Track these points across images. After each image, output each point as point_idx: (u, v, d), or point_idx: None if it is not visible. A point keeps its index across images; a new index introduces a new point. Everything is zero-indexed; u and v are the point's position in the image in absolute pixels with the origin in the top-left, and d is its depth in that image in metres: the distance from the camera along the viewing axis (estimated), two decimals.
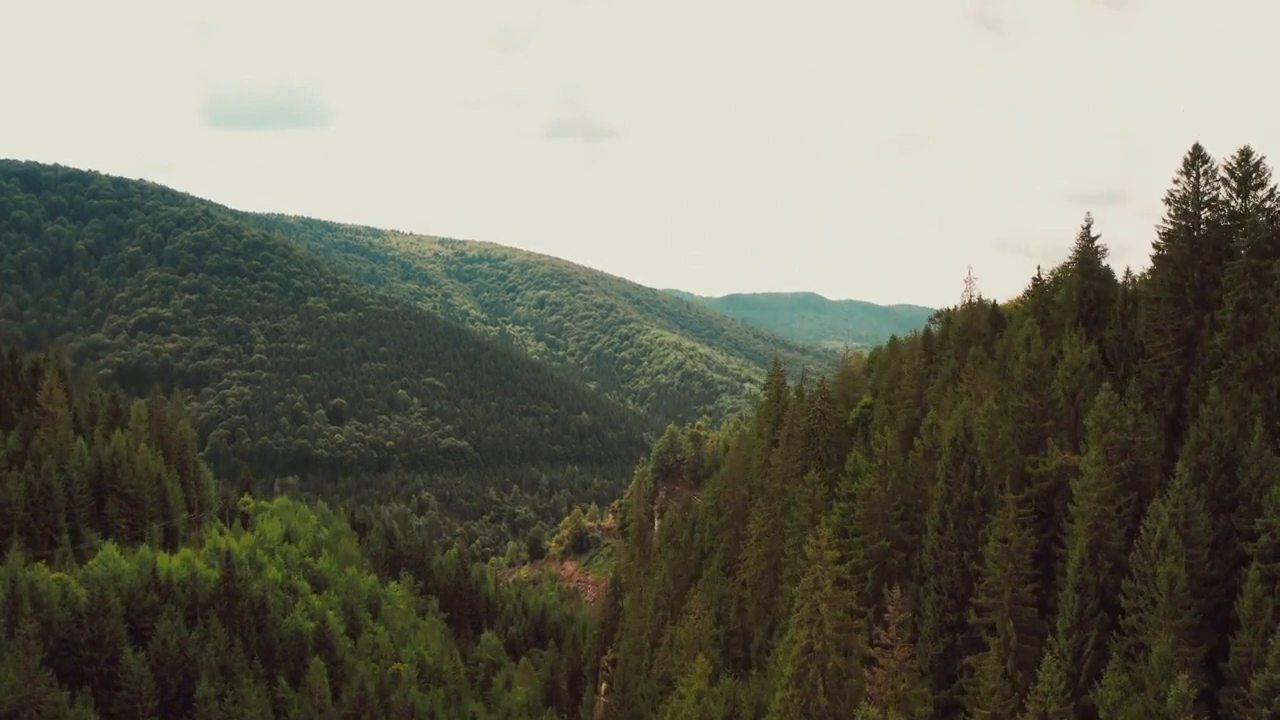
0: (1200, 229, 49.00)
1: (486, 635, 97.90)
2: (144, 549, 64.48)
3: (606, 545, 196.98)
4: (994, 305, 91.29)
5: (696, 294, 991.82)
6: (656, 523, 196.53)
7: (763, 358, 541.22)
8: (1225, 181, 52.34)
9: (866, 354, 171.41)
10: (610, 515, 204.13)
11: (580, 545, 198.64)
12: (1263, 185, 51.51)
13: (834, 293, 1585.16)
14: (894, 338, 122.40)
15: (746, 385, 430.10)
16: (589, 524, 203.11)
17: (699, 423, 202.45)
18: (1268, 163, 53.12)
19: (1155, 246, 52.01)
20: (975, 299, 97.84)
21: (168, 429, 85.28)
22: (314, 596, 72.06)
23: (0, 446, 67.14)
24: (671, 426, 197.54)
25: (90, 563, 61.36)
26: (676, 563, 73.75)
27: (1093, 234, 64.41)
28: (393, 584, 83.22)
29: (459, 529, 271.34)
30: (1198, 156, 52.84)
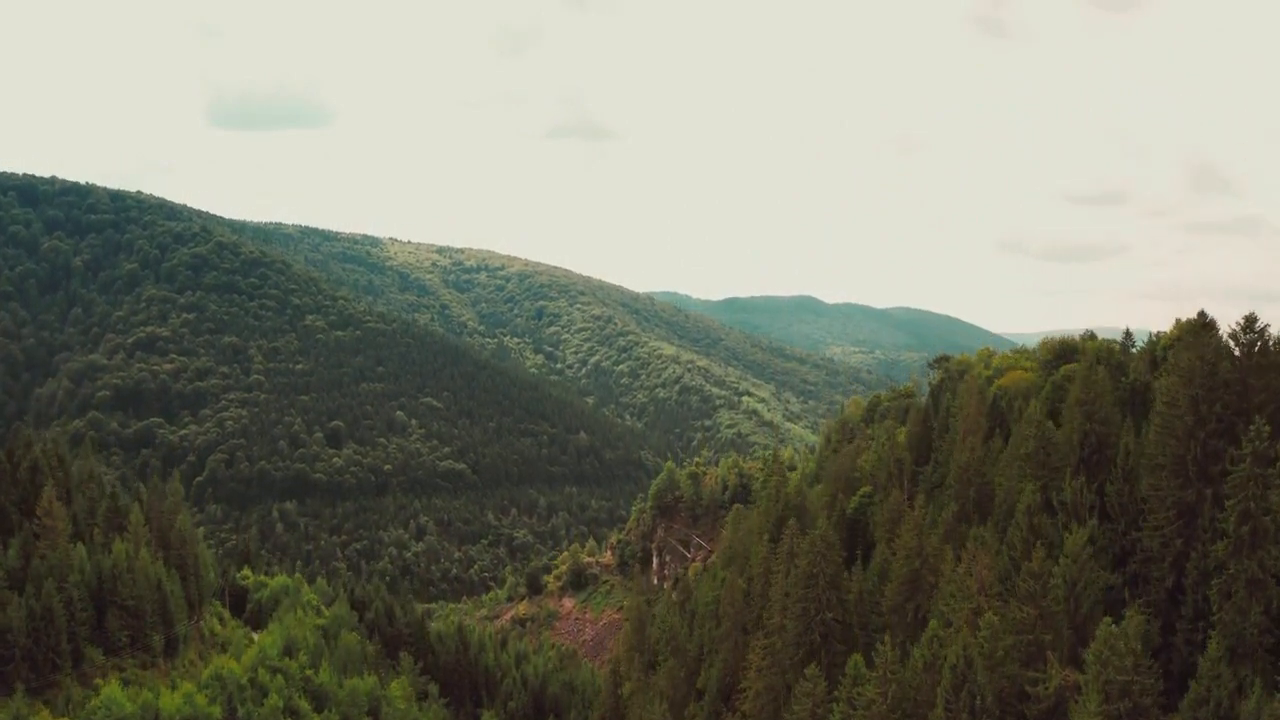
0: (1203, 402, 48.95)
1: (486, 716, 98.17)
2: (145, 694, 64.37)
3: (605, 582, 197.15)
4: (994, 401, 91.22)
5: (694, 297, 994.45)
6: (655, 560, 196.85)
7: (761, 368, 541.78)
8: (1229, 351, 52.45)
9: (864, 401, 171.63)
10: (608, 551, 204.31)
11: (579, 582, 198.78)
12: (1266, 354, 51.62)
13: (831, 295, 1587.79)
14: (889, 417, 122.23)
15: (744, 399, 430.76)
16: (587, 559, 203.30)
17: (697, 460, 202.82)
18: (1272, 330, 53.35)
19: (1159, 414, 52.00)
20: (979, 388, 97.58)
21: (166, 521, 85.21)
22: (315, 716, 72.15)
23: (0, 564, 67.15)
24: (669, 464, 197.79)
25: (93, 702, 61.22)
26: (676, 673, 73.85)
27: (1095, 376, 64.48)
28: (393, 684, 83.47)
29: (457, 554, 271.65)
30: (1203, 325, 52.83)
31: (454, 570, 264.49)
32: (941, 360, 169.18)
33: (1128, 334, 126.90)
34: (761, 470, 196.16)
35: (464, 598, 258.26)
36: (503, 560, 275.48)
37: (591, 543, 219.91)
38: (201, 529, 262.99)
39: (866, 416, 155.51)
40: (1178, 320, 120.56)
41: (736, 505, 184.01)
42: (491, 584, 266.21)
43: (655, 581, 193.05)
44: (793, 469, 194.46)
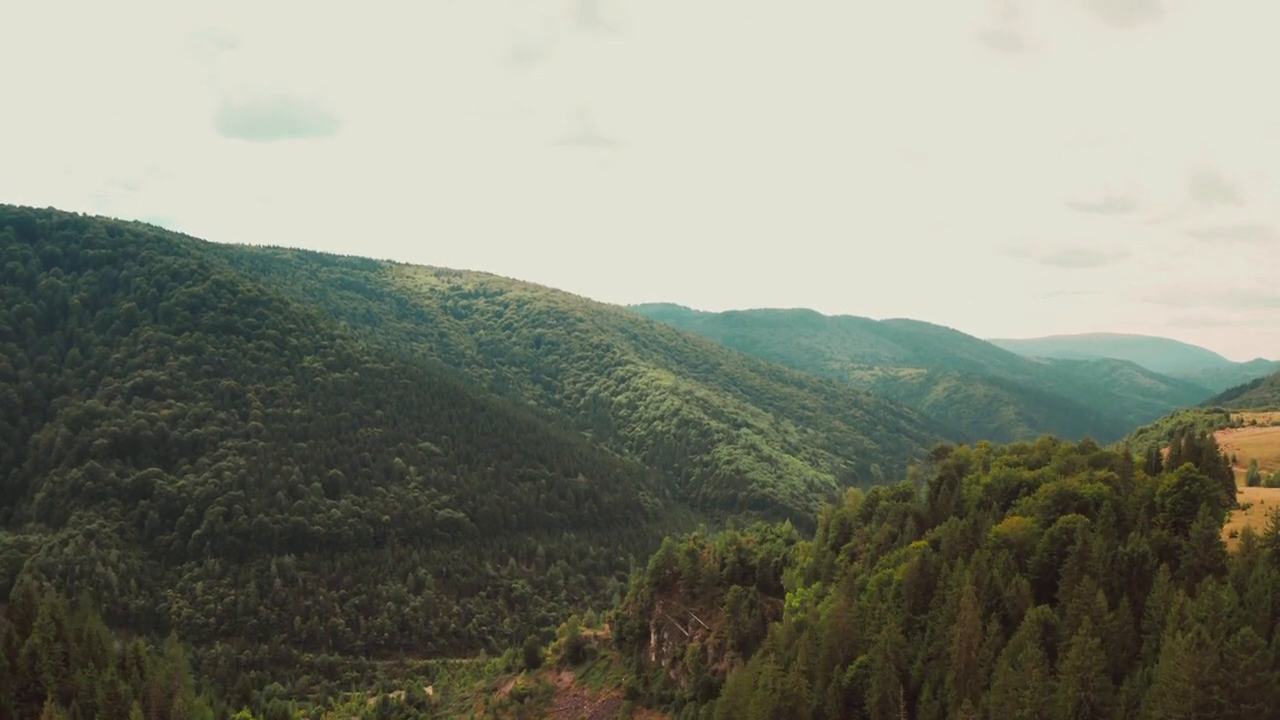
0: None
1: None
2: None
3: (604, 657, 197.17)
4: (991, 582, 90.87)
5: (694, 309, 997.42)
6: (653, 637, 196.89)
7: (759, 394, 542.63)
8: (1223, 671, 52.41)
9: (863, 495, 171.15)
10: (606, 625, 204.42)
11: (577, 656, 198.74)
12: (1258, 675, 51.59)
13: (830, 308, 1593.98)
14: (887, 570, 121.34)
15: (742, 431, 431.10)
16: (586, 632, 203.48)
17: (695, 533, 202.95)
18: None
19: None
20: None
21: (165, 699, 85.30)
22: None
23: None
24: (667, 539, 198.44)
25: None
26: None
27: (1090, 643, 64.32)
28: None
29: (456, 607, 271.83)
30: (1199, 643, 52.69)
31: (452, 625, 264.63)
32: (940, 452, 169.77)
33: (1127, 456, 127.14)
34: (760, 545, 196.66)
35: (464, 653, 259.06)
36: (501, 612, 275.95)
37: (590, 613, 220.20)
38: (200, 584, 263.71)
39: (864, 513, 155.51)
40: (1177, 460, 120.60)
41: (735, 586, 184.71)
42: (490, 637, 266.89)
43: (653, 659, 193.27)
44: (791, 543, 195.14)
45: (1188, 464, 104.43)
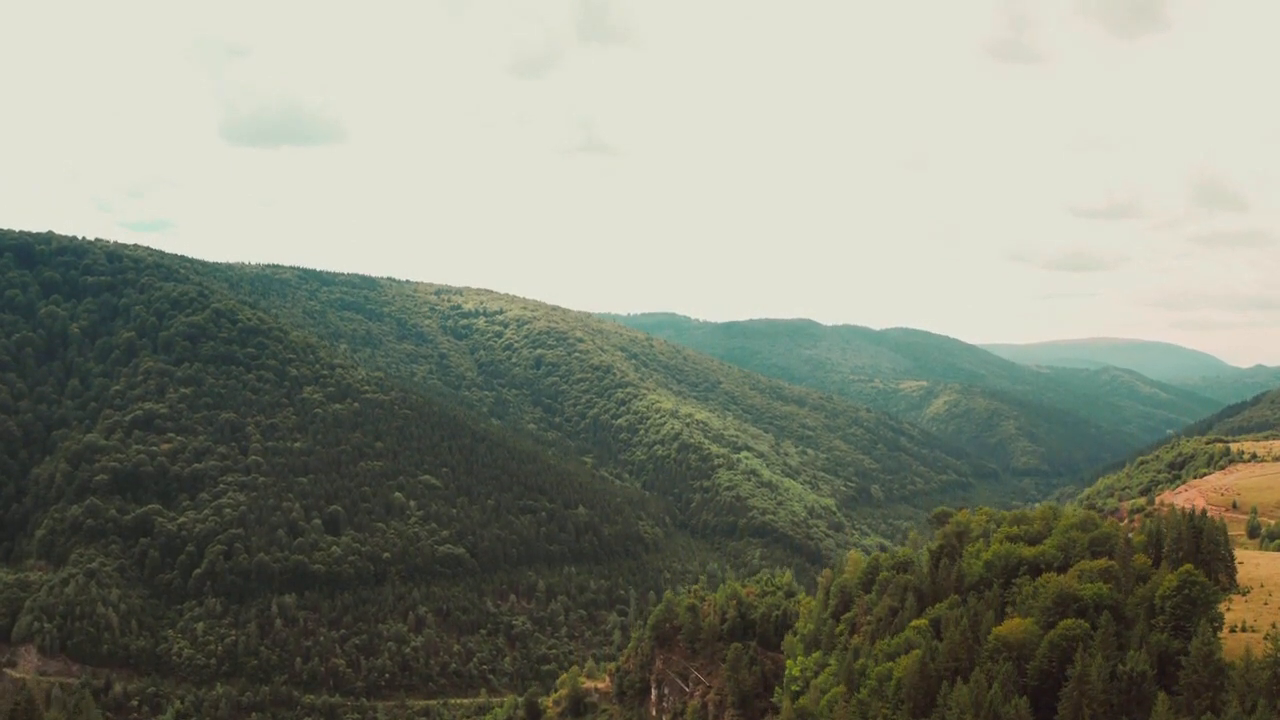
0: None
1: None
2: None
3: (604, 711, 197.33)
4: (990, 703, 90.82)
5: (695, 318, 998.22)
6: (653, 692, 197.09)
7: (759, 413, 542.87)
8: None
9: (864, 561, 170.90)
10: (607, 677, 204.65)
11: (577, 709, 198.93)
12: None
13: (829, 317, 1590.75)
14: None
15: (742, 456, 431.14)
16: (586, 684, 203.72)
17: (695, 587, 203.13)
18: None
19: None
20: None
21: None
22: None
23: None
24: (668, 594, 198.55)
25: None
26: None
27: None
28: None
29: (456, 646, 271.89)
30: None
31: (453, 664, 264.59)
32: (940, 518, 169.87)
33: (1127, 542, 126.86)
34: (760, 599, 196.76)
35: (465, 693, 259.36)
36: (502, 650, 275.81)
37: (590, 663, 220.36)
38: (200, 624, 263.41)
39: (865, 581, 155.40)
40: (1178, 546, 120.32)
41: (735, 644, 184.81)
42: (491, 676, 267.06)
43: (654, 714, 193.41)
44: (791, 595, 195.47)
45: (1188, 565, 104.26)
